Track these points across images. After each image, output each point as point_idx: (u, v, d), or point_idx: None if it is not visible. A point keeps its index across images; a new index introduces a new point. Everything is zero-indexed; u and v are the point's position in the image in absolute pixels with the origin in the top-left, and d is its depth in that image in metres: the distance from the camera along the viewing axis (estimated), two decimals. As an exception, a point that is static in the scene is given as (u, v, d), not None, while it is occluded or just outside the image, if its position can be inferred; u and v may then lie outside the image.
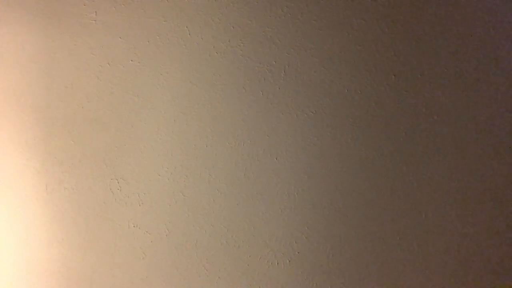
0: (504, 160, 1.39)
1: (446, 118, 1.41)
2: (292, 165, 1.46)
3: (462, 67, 1.40)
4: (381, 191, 1.43)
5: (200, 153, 1.49)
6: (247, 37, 1.47)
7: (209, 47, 1.48)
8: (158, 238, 1.50)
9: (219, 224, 1.48)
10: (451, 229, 1.41)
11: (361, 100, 1.44)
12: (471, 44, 1.40)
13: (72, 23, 1.52)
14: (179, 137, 1.49)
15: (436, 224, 1.41)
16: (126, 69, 1.50)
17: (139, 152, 1.50)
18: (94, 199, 1.51)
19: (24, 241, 1.53)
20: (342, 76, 1.44)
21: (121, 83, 1.50)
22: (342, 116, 1.45)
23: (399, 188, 1.43)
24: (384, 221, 1.43)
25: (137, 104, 1.50)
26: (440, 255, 1.41)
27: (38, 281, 1.53)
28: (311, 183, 1.45)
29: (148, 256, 1.50)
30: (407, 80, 1.42)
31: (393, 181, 1.43)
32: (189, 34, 1.49)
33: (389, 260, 1.43)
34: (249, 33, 1.47)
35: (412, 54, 1.42)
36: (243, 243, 1.48)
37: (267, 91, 1.47)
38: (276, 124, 1.46)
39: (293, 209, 1.46)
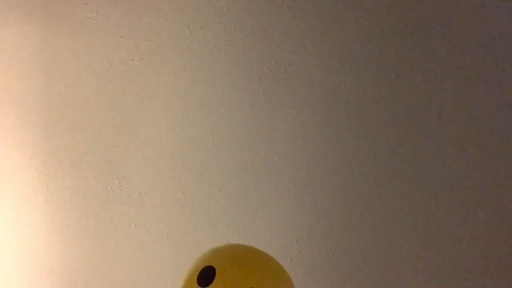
0: (505, 160, 1.39)
1: (446, 118, 1.41)
2: (292, 164, 1.46)
3: (462, 67, 1.41)
4: (381, 191, 1.44)
5: (201, 152, 1.49)
6: (248, 36, 1.47)
7: (209, 47, 1.48)
8: (159, 237, 1.50)
9: (219, 224, 1.49)
10: (451, 229, 1.41)
11: (361, 100, 1.44)
12: (471, 44, 1.40)
13: (73, 23, 1.52)
14: (179, 136, 1.49)
15: (437, 224, 1.41)
16: (127, 68, 1.50)
17: (140, 152, 1.50)
18: (95, 199, 1.51)
19: (25, 241, 1.54)
20: (343, 76, 1.45)
21: (122, 83, 1.51)
22: (342, 116, 1.45)
23: (399, 188, 1.43)
24: (384, 220, 1.43)
25: (138, 104, 1.50)
26: (440, 255, 1.41)
27: (39, 280, 1.53)
28: (311, 183, 1.46)
29: (148, 255, 1.50)
30: (407, 80, 1.42)
31: (393, 181, 1.43)
32: (190, 34, 1.49)
33: (390, 260, 1.43)
34: (250, 32, 1.47)
35: (413, 53, 1.42)
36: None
37: (268, 91, 1.47)
38: (276, 123, 1.47)
39: (294, 208, 1.46)
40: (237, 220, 1.48)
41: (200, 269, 0.84)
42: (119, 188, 1.51)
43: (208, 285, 0.81)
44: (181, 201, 1.49)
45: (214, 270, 0.83)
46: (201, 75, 1.49)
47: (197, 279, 0.83)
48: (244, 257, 0.89)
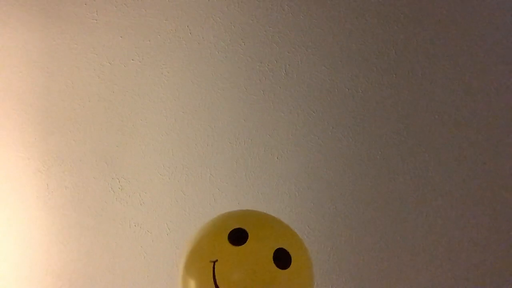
0: (504, 160, 1.39)
1: (446, 118, 1.42)
2: (293, 164, 1.46)
3: (462, 67, 1.41)
4: (381, 190, 1.44)
5: (201, 152, 1.49)
6: (248, 36, 1.47)
7: (210, 46, 1.48)
8: (159, 237, 1.50)
9: (220, 223, 1.48)
10: (452, 228, 1.41)
11: (362, 100, 1.44)
12: (472, 43, 1.41)
13: (73, 23, 1.52)
14: (180, 136, 1.49)
15: (437, 223, 1.41)
16: (127, 68, 1.50)
17: (140, 151, 1.50)
18: (95, 198, 1.51)
19: (25, 240, 1.53)
20: (343, 75, 1.45)
21: (122, 83, 1.51)
22: (343, 116, 1.45)
23: (399, 188, 1.43)
24: (384, 220, 1.43)
25: (138, 103, 1.50)
26: (440, 255, 1.41)
27: (39, 280, 1.53)
28: (311, 183, 1.46)
29: (149, 255, 1.50)
30: (408, 80, 1.43)
31: (393, 181, 1.43)
32: (190, 33, 1.49)
33: (390, 260, 1.43)
34: (250, 32, 1.47)
35: (413, 53, 1.42)
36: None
37: (268, 90, 1.47)
38: (277, 123, 1.47)
39: (294, 208, 1.46)
40: (237, 220, 1.48)
41: (230, 230, 0.90)
42: (119, 188, 1.51)
43: (240, 244, 0.88)
44: (181, 200, 1.49)
45: (245, 231, 0.89)
46: (201, 75, 1.49)
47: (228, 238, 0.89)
48: (270, 220, 0.99)
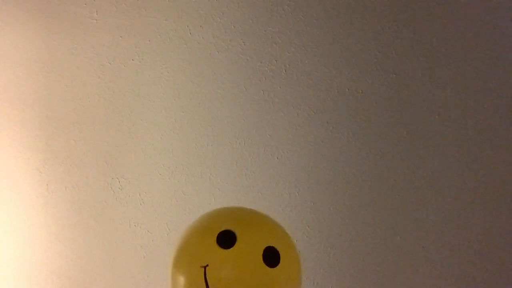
0: (505, 160, 1.39)
1: (447, 117, 1.41)
2: (293, 164, 1.46)
3: (462, 67, 1.41)
4: (381, 190, 1.44)
5: (201, 152, 1.49)
6: (248, 36, 1.47)
7: (210, 46, 1.48)
8: (159, 237, 1.50)
9: (220, 223, 1.48)
10: (451, 228, 1.41)
11: (362, 99, 1.44)
12: (472, 43, 1.40)
13: (73, 23, 1.52)
14: (180, 136, 1.49)
15: (437, 224, 1.41)
16: (127, 68, 1.50)
17: (140, 151, 1.50)
18: (95, 198, 1.51)
19: (25, 240, 1.53)
20: (343, 75, 1.45)
21: (122, 82, 1.51)
22: (343, 115, 1.45)
23: (400, 188, 1.43)
24: (385, 220, 1.43)
25: (138, 103, 1.50)
26: (441, 255, 1.41)
27: (39, 280, 1.53)
28: (312, 183, 1.46)
29: (149, 255, 1.50)
30: (408, 79, 1.42)
31: (394, 181, 1.43)
32: (190, 33, 1.49)
33: (390, 260, 1.43)
34: (250, 32, 1.47)
35: (413, 53, 1.42)
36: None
37: (268, 90, 1.47)
38: (277, 123, 1.47)
39: (294, 208, 1.46)
40: (237, 220, 1.48)
41: (217, 232, 0.90)
42: (119, 188, 1.51)
43: (228, 247, 0.88)
44: (181, 200, 1.49)
45: (233, 233, 0.90)
46: (201, 75, 1.49)
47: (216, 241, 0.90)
48: (257, 219, 1.00)
